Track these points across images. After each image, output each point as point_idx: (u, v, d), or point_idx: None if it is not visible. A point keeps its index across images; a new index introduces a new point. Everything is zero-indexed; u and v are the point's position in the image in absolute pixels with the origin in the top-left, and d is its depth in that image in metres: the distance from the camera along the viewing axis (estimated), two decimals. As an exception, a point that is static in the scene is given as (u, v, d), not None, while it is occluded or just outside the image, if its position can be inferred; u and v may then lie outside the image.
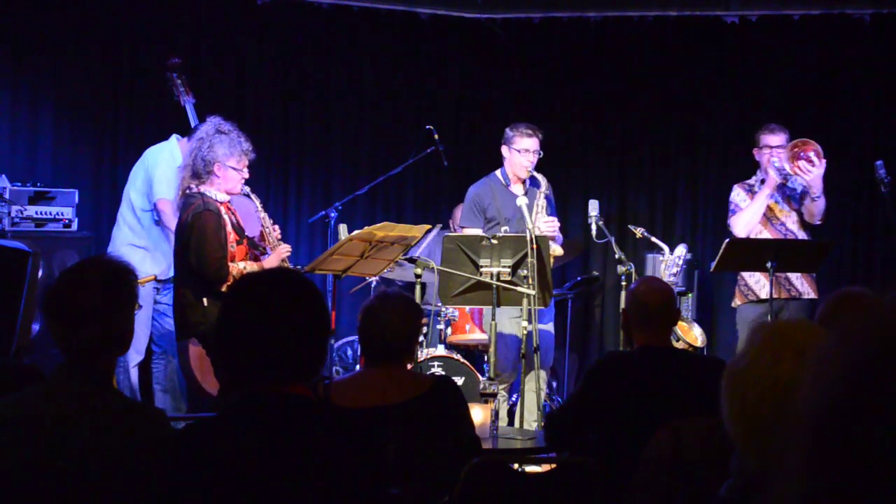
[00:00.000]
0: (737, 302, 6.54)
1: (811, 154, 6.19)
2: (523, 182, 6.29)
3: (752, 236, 6.31)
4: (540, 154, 6.24)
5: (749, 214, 6.33)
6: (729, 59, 7.89)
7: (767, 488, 1.69)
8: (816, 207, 6.28)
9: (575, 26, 8.04)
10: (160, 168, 6.24)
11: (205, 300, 5.09)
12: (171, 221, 6.06)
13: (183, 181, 5.25)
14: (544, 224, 6.05)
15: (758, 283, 6.35)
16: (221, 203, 5.21)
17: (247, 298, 2.32)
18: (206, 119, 5.37)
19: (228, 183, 5.23)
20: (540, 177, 6.20)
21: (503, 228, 6.12)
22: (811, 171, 6.16)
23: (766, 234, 6.36)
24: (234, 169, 5.22)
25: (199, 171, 5.19)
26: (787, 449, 0.89)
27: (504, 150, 6.31)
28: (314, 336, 2.30)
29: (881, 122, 7.63)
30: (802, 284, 6.37)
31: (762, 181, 6.41)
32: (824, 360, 0.90)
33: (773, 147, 6.36)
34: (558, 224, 6.21)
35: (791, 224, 6.40)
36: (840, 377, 0.87)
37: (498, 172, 6.37)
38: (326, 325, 2.37)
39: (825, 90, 7.71)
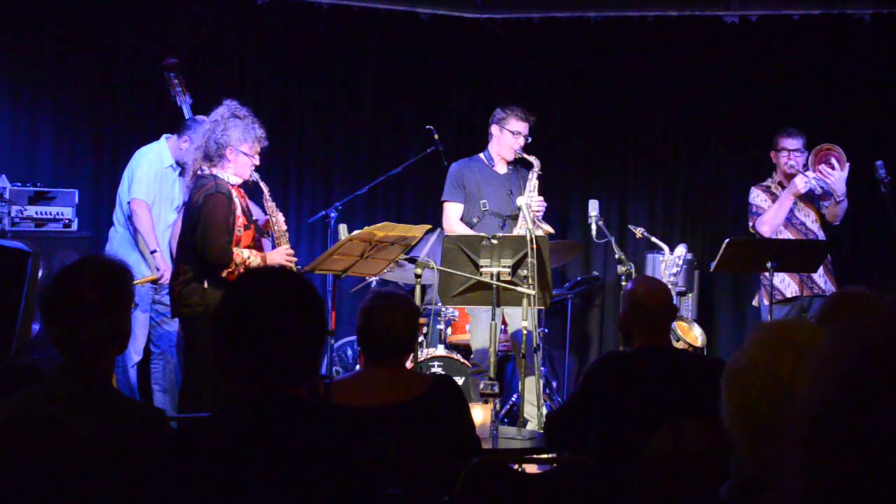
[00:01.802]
0: (763, 302, 6.52)
1: (832, 159, 6.26)
2: (508, 163, 6.35)
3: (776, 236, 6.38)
4: (528, 139, 6.29)
5: (773, 216, 6.39)
6: (729, 59, 7.89)
7: (768, 487, 1.69)
8: (840, 209, 6.39)
9: (575, 26, 8.04)
10: (141, 169, 6.25)
11: (206, 283, 5.04)
12: (142, 223, 6.08)
13: (194, 162, 5.20)
14: (536, 203, 6.09)
15: (783, 282, 6.39)
16: (233, 186, 5.19)
17: (247, 295, 2.30)
18: (223, 102, 5.32)
19: (239, 168, 5.18)
20: (532, 158, 6.24)
21: (482, 202, 6.19)
22: (832, 175, 6.24)
23: (786, 234, 6.41)
24: (246, 155, 5.19)
25: (211, 153, 5.14)
26: (786, 447, 0.89)
27: (494, 129, 6.36)
28: (312, 339, 2.30)
29: (881, 122, 7.63)
30: (826, 283, 6.41)
31: (779, 183, 6.49)
32: (823, 361, 0.90)
33: (790, 150, 6.43)
34: (545, 203, 6.28)
35: (811, 224, 6.46)
36: (837, 377, 0.87)
37: (482, 154, 6.42)
38: (324, 329, 2.37)
39: (825, 90, 7.71)
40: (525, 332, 5.49)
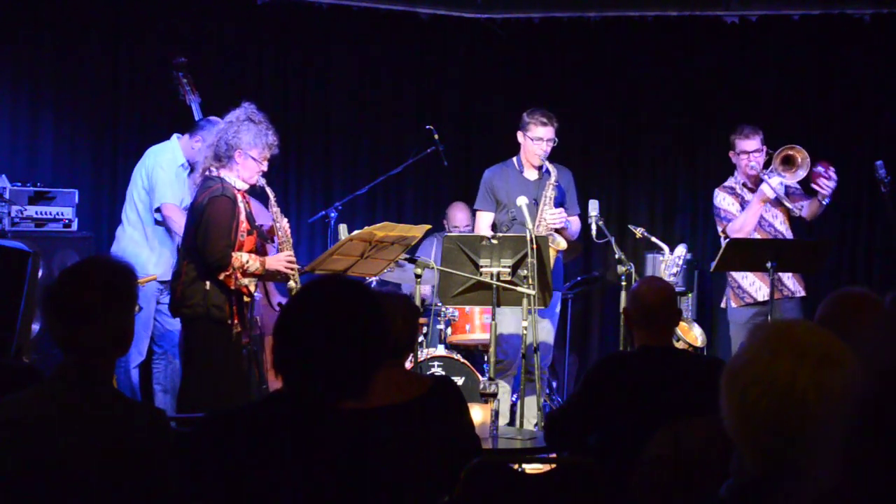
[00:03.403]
0: (731, 304, 6.45)
1: (829, 171, 6.16)
2: (538, 168, 6.29)
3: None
4: (555, 142, 6.23)
5: (744, 223, 6.25)
6: (729, 59, 7.89)
7: (780, 482, 1.69)
8: (820, 209, 6.30)
9: (575, 26, 8.04)
10: (161, 171, 6.23)
11: (208, 283, 5.03)
12: (177, 224, 6.04)
13: (205, 160, 5.20)
14: (549, 216, 6.05)
15: (752, 285, 6.33)
16: (239, 191, 5.18)
17: (315, 304, 2.30)
18: (241, 104, 5.30)
19: (246, 172, 5.17)
20: (551, 167, 6.19)
21: (511, 211, 6.15)
22: (829, 187, 6.16)
23: (755, 236, 6.32)
24: (255, 160, 5.18)
25: (220, 153, 5.14)
26: (827, 434, 0.89)
27: (519, 135, 6.32)
28: (370, 356, 2.29)
29: (881, 122, 7.63)
30: (794, 284, 6.35)
31: (743, 184, 6.38)
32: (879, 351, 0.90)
33: (749, 152, 6.28)
34: (565, 215, 6.19)
35: (779, 225, 6.37)
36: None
37: (514, 158, 6.39)
38: (383, 349, 2.35)
39: (825, 90, 7.71)
40: (525, 333, 5.49)
